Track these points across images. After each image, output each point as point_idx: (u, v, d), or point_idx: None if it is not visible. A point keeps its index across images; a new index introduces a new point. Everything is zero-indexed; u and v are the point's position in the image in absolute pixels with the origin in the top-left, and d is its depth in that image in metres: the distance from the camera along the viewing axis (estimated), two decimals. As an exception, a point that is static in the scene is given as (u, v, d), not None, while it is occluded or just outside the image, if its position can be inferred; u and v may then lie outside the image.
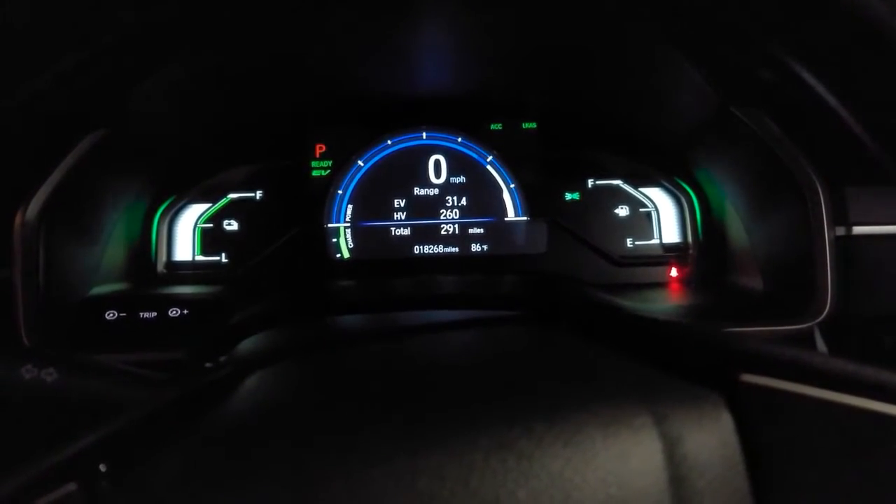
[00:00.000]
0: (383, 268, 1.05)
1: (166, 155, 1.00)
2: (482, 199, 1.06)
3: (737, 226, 0.97)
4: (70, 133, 0.79)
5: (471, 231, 1.05)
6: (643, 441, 0.31)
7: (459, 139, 1.06)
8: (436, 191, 1.06)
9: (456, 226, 1.05)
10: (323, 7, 0.71)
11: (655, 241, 1.09)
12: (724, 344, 0.38)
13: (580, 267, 1.07)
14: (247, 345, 0.53)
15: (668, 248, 1.09)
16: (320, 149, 1.05)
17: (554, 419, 0.32)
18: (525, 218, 1.05)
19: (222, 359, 0.50)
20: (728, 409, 0.33)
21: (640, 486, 0.30)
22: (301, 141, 1.05)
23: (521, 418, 0.32)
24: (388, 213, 1.05)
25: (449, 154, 1.06)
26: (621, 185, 1.10)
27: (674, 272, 1.07)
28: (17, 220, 0.75)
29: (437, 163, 1.06)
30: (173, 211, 1.07)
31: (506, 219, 1.05)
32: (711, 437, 0.32)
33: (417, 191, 1.05)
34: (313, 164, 1.05)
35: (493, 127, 1.06)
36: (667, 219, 1.10)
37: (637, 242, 1.09)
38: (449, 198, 1.06)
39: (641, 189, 1.10)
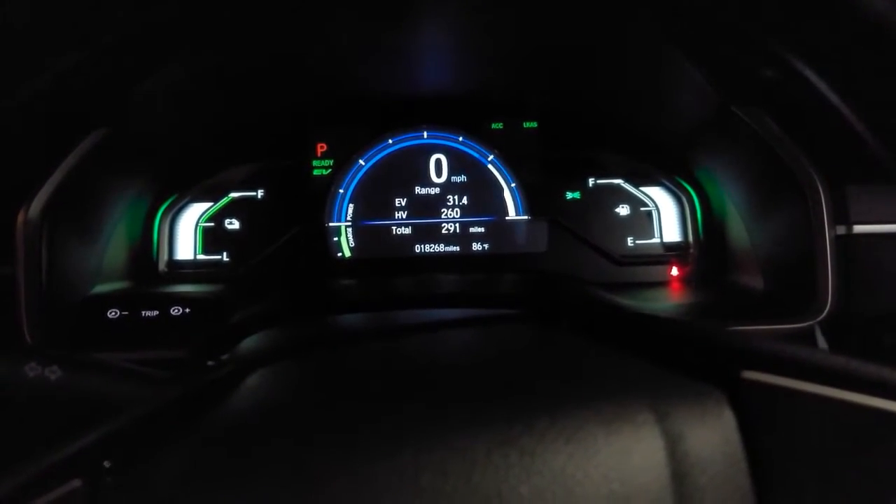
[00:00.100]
0: (384, 267, 1.05)
1: (167, 154, 1.00)
2: (483, 198, 1.06)
3: (737, 225, 0.97)
4: (71, 132, 0.79)
5: (472, 230, 1.06)
6: (645, 438, 0.31)
7: (460, 138, 1.06)
8: (437, 190, 1.06)
9: (457, 225, 1.06)
10: (323, 7, 0.72)
11: (656, 240, 1.09)
12: (725, 341, 0.38)
13: (581, 266, 1.07)
14: (248, 343, 0.53)
15: (669, 247, 1.09)
16: (321, 148, 1.05)
17: (556, 416, 0.32)
18: (526, 217, 1.05)
19: (224, 357, 0.50)
20: (730, 405, 0.33)
21: (641, 482, 0.30)
22: (302, 140, 1.05)
23: (523, 415, 0.32)
24: (389, 212, 1.05)
25: (450, 153, 1.06)
26: (622, 185, 1.10)
27: (674, 271, 1.07)
28: (20, 218, 0.75)
29: (438, 162, 1.06)
30: (175, 210, 1.07)
31: (507, 218, 1.06)
32: (713, 434, 0.32)
33: (418, 190, 1.06)
34: (314, 163, 1.05)
35: (493, 126, 1.06)
36: (667, 218, 1.10)
37: (638, 241, 1.09)
38: (450, 197, 1.06)
39: (642, 188, 1.10)
